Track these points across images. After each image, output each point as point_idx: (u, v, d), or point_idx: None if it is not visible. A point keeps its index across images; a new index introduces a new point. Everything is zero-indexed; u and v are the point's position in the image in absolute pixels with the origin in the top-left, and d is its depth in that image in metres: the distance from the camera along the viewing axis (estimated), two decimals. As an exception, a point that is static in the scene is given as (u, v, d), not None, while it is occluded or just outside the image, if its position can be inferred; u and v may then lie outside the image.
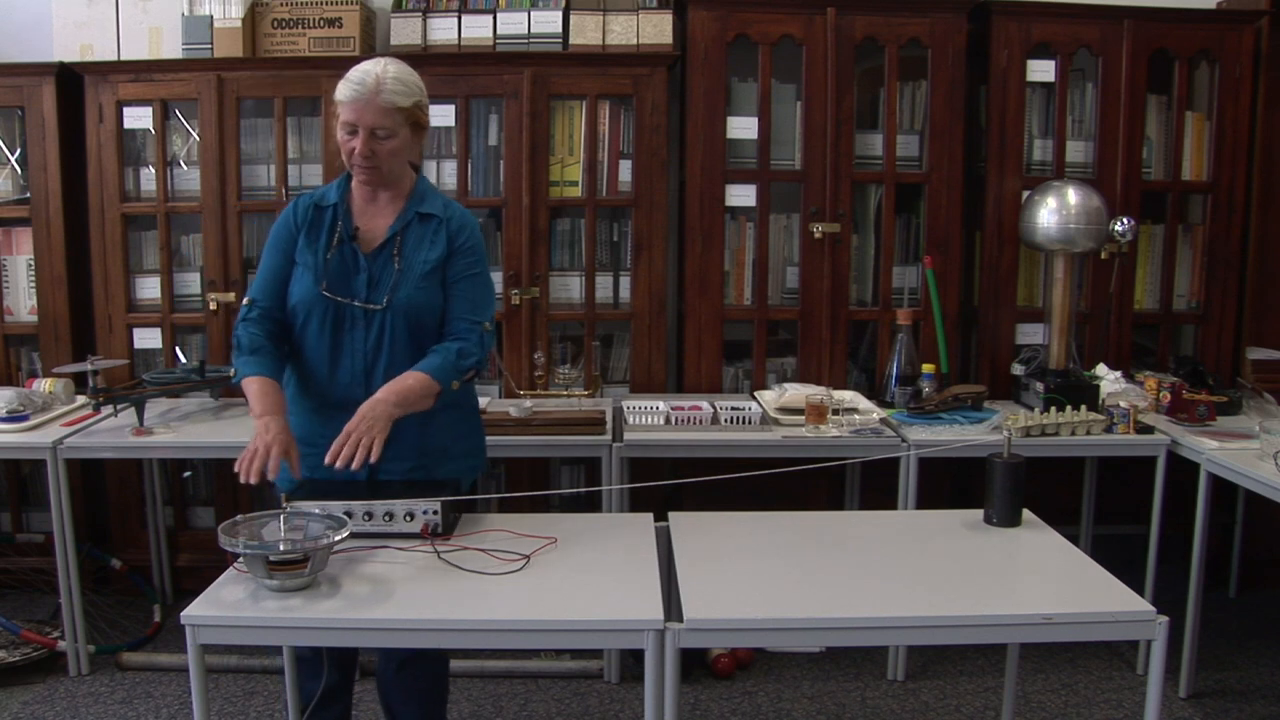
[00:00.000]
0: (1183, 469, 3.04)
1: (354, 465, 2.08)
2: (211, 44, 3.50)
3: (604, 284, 3.62)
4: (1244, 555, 3.72)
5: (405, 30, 3.53)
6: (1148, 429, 3.10)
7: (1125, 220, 3.36)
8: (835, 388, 3.37)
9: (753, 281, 3.60)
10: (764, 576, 2.02)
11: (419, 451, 2.30)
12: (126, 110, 3.49)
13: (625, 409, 3.18)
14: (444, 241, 2.29)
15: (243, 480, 2.05)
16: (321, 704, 2.39)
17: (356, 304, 2.24)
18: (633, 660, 3.12)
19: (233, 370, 2.23)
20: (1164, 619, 1.84)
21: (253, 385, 2.20)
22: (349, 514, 2.08)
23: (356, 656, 2.57)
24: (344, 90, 2.18)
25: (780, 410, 3.17)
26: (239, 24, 3.48)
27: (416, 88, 2.23)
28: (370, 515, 2.13)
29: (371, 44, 3.68)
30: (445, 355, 2.25)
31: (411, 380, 2.20)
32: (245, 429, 3.10)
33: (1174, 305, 3.69)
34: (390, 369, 2.24)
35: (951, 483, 3.64)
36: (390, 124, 2.18)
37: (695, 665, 3.15)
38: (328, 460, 2.10)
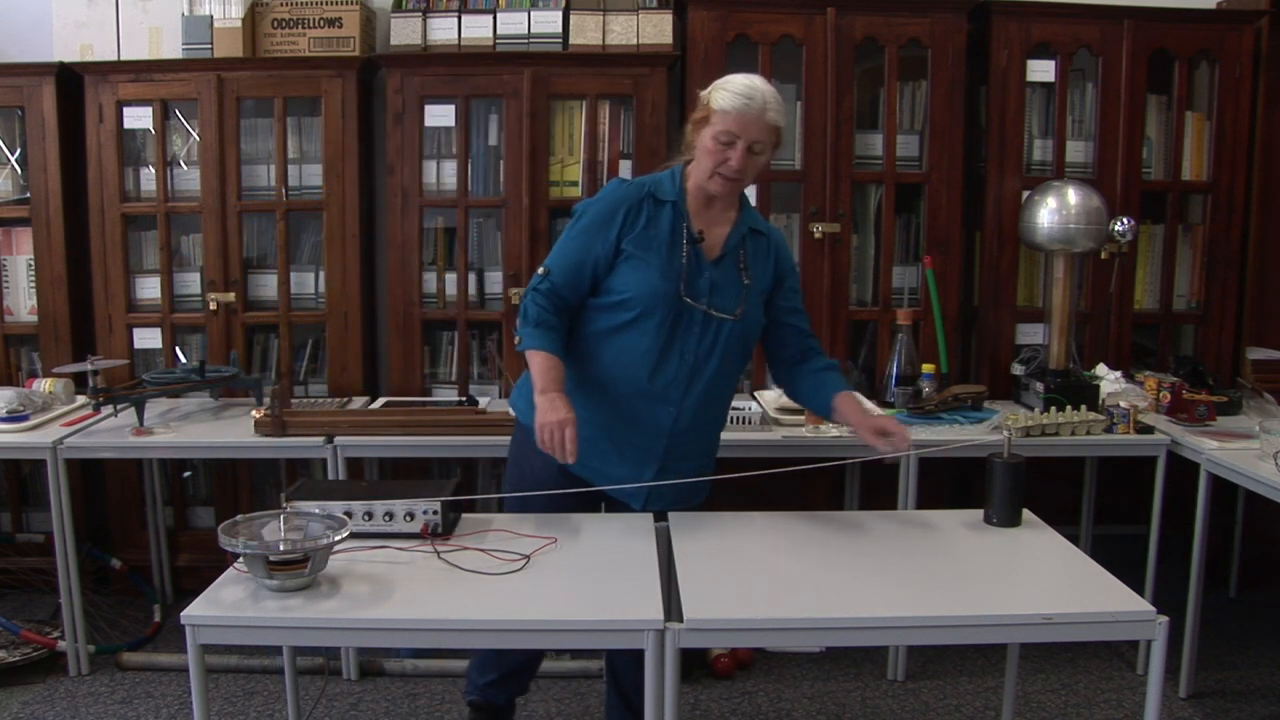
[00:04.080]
0: (1183, 469, 3.04)
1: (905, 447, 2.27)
2: (211, 44, 3.50)
3: (604, 284, 3.62)
4: (1244, 555, 3.72)
5: (405, 30, 3.53)
6: (1148, 429, 3.10)
7: (1125, 220, 3.36)
8: (835, 388, 3.36)
9: (753, 281, 3.59)
10: (764, 576, 2.02)
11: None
12: (126, 110, 3.49)
13: (625, 409, 3.18)
14: (773, 264, 2.38)
15: (569, 459, 2.13)
16: (515, 674, 2.56)
17: (712, 312, 2.28)
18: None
19: (517, 338, 2.26)
20: (1164, 619, 1.84)
21: (537, 358, 2.20)
22: (349, 514, 2.08)
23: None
24: (729, 100, 2.21)
25: (780, 410, 3.17)
26: (239, 24, 3.48)
27: (785, 110, 2.30)
28: (370, 515, 2.13)
29: (371, 44, 3.68)
30: (837, 373, 2.45)
31: (854, 397, 2.41)
32: (245, 429, 3.10)
33: (1174, 305, 3.69)
34: (714, 376, 2.32)
35: (951, 483, 3.63)
36: (765, 141, 2.24)
37: (695, 665, 3.15)
38: (889, 453, 2.28)
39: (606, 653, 2.63)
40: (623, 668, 2.52)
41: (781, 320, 2.42)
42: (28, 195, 3.54)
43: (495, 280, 3.61)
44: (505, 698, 2.58)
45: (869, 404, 2.41)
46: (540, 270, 2.30)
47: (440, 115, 3.49)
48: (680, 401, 2.31)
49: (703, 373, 2.31)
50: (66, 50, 3.53)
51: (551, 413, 2.13)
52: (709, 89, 2.28)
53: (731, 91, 2.22)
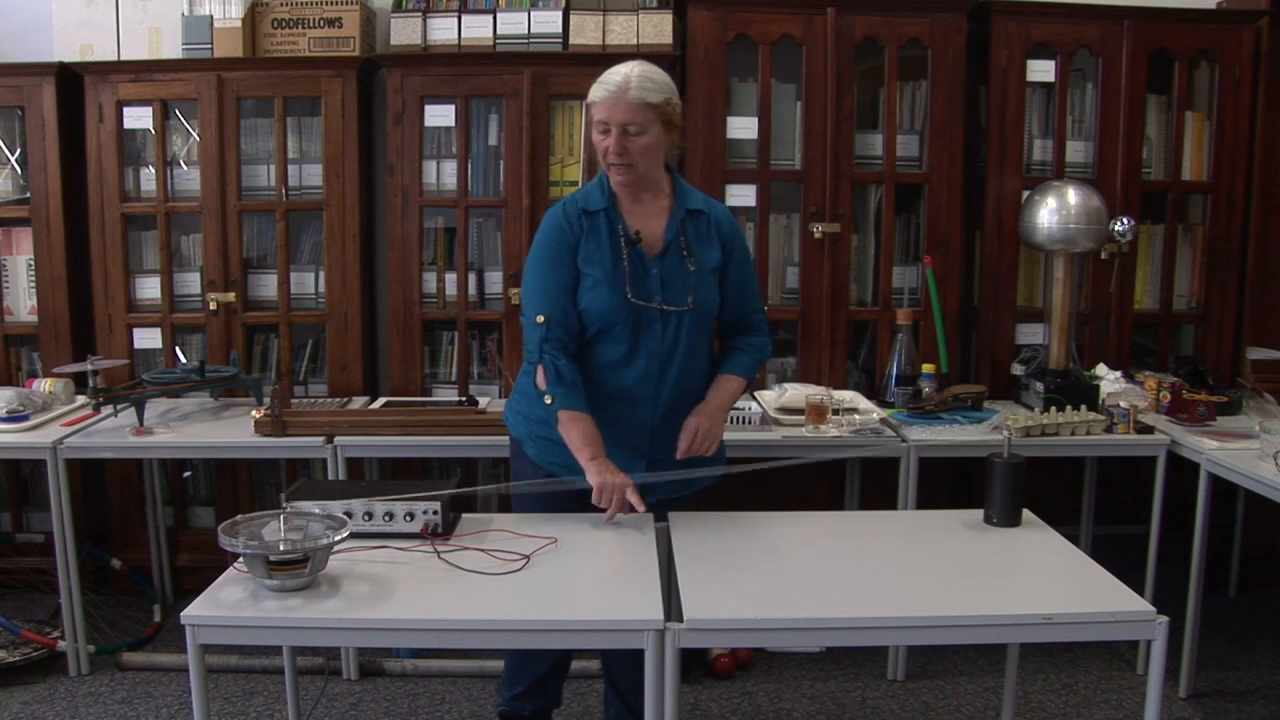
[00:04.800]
0: (1183, 469, 3.04)
1: (707, 452, 2.34)
2: (211, 44, 3.50)
3: (604, 284, 3.62)
4: (1244, 555, 3.72)
5: (405, 30, 3.53)
6: (1148, 429, 3.10)
7: (1125, 220, 3.36)
8: (835, 388, 3.37)
9: (753, 281, 3.59)
10: (764, 576, 2.02)
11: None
12: (126, 110, 3.49)
13: (625, 409, 3.18)
14: (717, 241, 2.38)
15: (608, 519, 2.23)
16: (542, 684, 2.55)
17: (666, 307, 2.31)
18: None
19: (548, 397, 2.27)
20: (1164, 619, 1.84)
21: (578, 425, 2.25)
22: (349, 514, 2.08)
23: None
24: (596, 91, 2.26)
25: (780, 410, 3.17)
26: (239, 24, 3.48)
27: (666, 86, 2.28)
28: (370, 515, 2.13)
29: (372, 44, 3.68)
30: (751, 353, 2.43)
31: (733, 384, 2.41)
32: (245, 429, 3.10)
33: (1174, 305, 3.69)
34: (683, 365, 2.35)
35: (951, 483, 3.63)
36: (641, 120, 2.24)
37: (695, 665, 3.15)
38: (683, 453, 2.33)
39: (601, 652, 2.63)
40: (617, 666, 2.52)
41: (726, 296, 2.42)
42: (28, 195, 3.54)
43: (495, 280, 3.61)
44: (532, 709, 2.58)
45: (729, 398, 2.42)
46: (538, 319, 2.29)
47: (440, 115, 3.49)
48: (655, 398, 2.35)
49: (671, 365, 2.34)
50: (66, 50, 3.53)
51: (610, 475, 2.21)
52: None
53: (599, 83, 2.27)
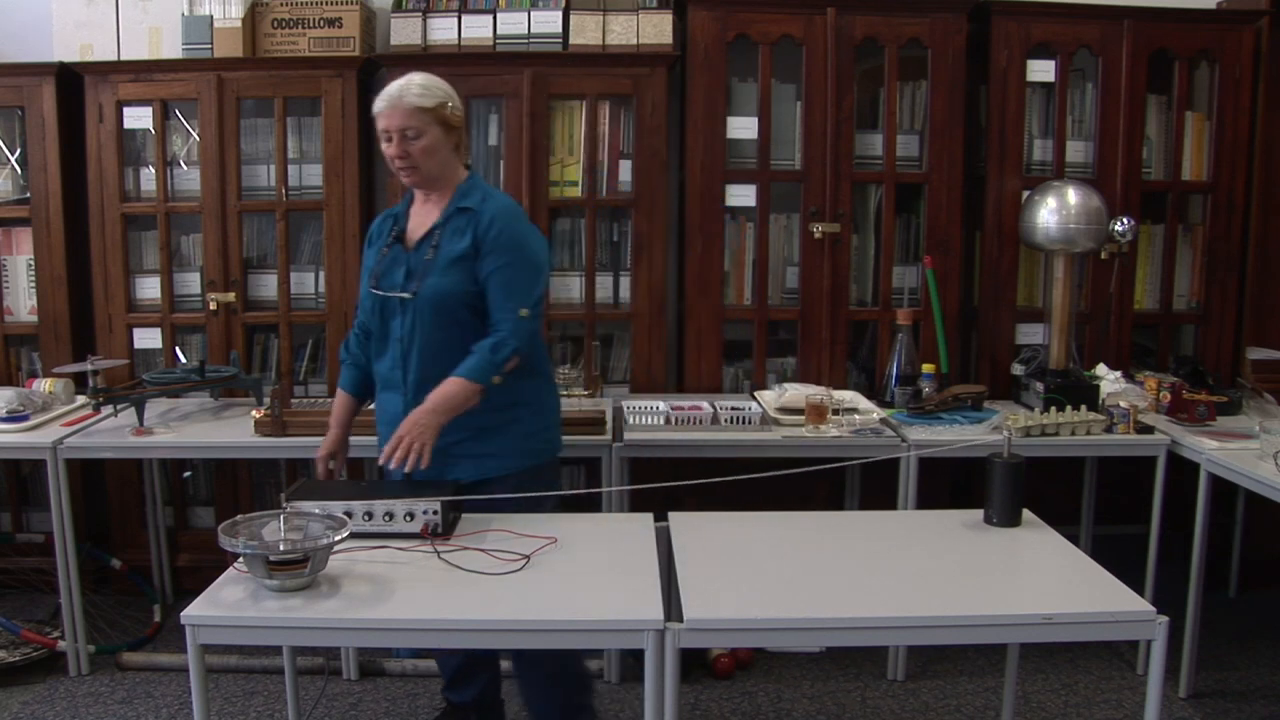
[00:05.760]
0: (1183, 469, 3.04)
1: (407, 468, 2.25)
2: (211, 44, 3.50)
3: (604, 284, 3.62)
4: (1244, 555, 3.72)
5: (405, 30, 3.53)
6: (1148, 429, 3.10)
7: (1125, 220, 3.36)
8: (835, 388, 3.37)
9: (753, 281, 3.60)
10: (764, 576, 2.02)
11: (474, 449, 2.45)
12: (126, 110, 3.49)
13: (625, 409, 3.18)
14: (470, 234, 2.41)
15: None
16: (462, 676, 2.65)
17: (401, 295, 2.41)
18: (632, 660, 3.11)
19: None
20: (1164, 619, 1.84)
21: (334, 402, 2.62)
22: (349, 514, 2.08)
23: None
24: (377, 104, 2.40)
25: (780, 410, 3.17)
26: (239, 24, 3.48)
27: (441, 91, 2.42)
28: (370, 515, 2.13)
29: (372, 44, 3.68)
30: (480, 354, 2.39)
31: (451, 387, 2.34)
32: (245, 429, 3.11)
33: (1174, 305, 3.69)
34: (423, 353, 2.41)
35: (952, 483, 3.63)
36: (417, 124, 2.36)
37: (695, 665, 3.15)
38: (380, 461, 2.32)
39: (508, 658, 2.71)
40: (521, 687, 2.60)
41: (484, 290, 2.42)
42: (28, 195, 3.54)
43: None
44: (458, 699, 2.68)
45: (438, 400, 2.32)
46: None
47: (440, 115, 3.49)
48: (403, 384, 2.44)
49: (412, 352, 2.42)
50: (66, 50, 3.53)
51: (320, 451, 2.58)
52: None
53: (379, 96, 2.40)
